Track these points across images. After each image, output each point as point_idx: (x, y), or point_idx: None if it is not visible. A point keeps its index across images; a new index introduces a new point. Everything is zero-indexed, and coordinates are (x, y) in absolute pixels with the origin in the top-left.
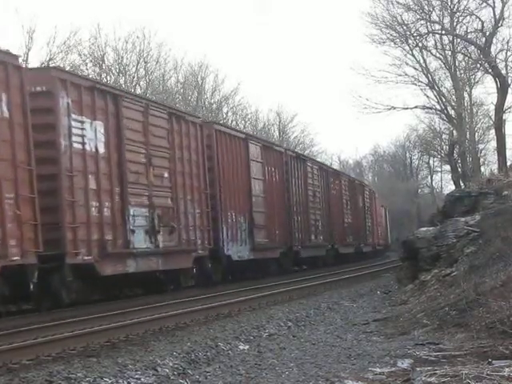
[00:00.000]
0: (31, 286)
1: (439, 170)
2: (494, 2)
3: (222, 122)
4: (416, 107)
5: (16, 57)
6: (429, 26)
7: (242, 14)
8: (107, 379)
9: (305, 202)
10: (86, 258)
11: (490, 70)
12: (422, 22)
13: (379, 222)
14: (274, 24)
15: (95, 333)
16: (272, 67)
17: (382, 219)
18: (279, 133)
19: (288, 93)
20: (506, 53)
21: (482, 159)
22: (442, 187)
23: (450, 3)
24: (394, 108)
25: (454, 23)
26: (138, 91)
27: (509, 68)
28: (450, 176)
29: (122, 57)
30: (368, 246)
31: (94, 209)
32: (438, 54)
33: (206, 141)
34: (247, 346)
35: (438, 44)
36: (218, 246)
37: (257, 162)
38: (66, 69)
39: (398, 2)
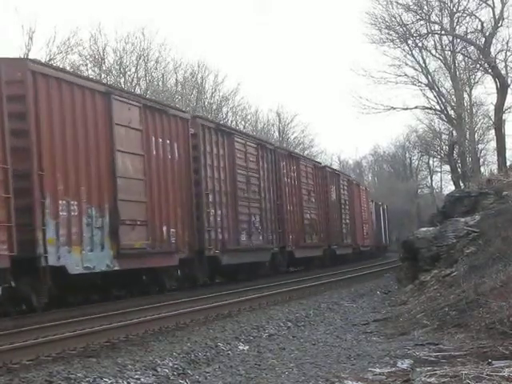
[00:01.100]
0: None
1: (439, 170)
2: (493, 3)
3: (222, 121)
4: (416, 107)
5: None
6: (428, 27)
7: (242, 14)
8: (107, 379)
9: (233, 190)
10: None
11: (489, 71)
12: (422, 22)
13: (366, 219)
14: (273, 24)
15: (95, 333)
16: (272, 67)
17: (372, 216)
18: (279, 133)
19: (288, 93)
20: (506, 53)
21: (481, 159)
22: (441, 187)
23: (449, 3)
24: (394, 108)
25: (454, 23)
26: (138, 92)
27: (508, 68)
28: (449, 176)
29: (122, 57)
30: (346, 247)
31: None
32: (437, 55)
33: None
34: (247, 347)
35: (438, 44)
36: (33, 252)
37: (129, 128)
38: (67, 68)
39: (397, 3)
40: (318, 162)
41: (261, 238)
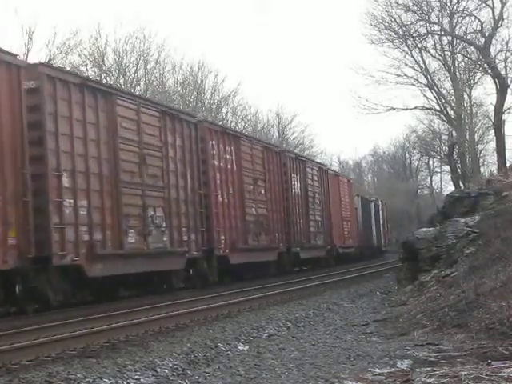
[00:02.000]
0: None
1: (439, 170)
2: (493, 3)
3: (221, 122)
4: (415, 108)
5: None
6: (428, 27)
7: (242, 15)
8: (107, 380)
9: (113, 173)
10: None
11: (489, 71)
12: (422, 22)
13: (348, 216)
14: (273, 24)
15: (95, 333)
16: (272, 67)
17: (357, 213)
18: (279, 133)
19: (288, 93)
20: (506, 53)
21: (481, 160)
22: (441, 188)
23: (449, 4)
24: (394, 109)
25: (454, 24)
26: (138, 92)
27: (508, 69)
28: (449, 177)
29: (122, 57)
30: (316, 249)
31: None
32: (437, 55)
33: None
34: (247, 347)
35: (438, 45)
36: None
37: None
38: (67, 69)
39: (397, 3)
40: (274, 145)
41: (164, 239)
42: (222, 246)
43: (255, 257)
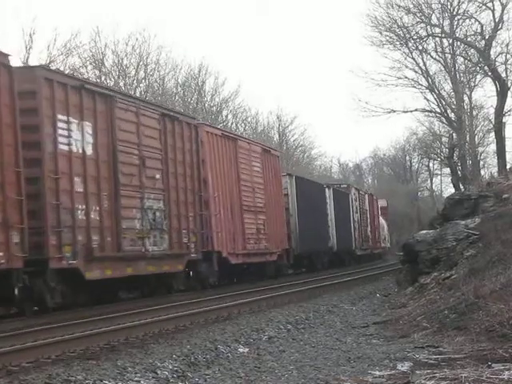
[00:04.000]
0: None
1: (439, 172)
2: (493, 5)
3: (221, 125)
4: (416, 110)
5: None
6: (428, 29)
7: (243, 16)
8: (107, 382)
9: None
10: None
11: (489, 73)
12: (422, 24)
13: (256, 205)
14: (274, 25)
15: (95, 335)
16: (272, 69)
17: (291, 202)
18: (279, 135)
19: (288, 95)
20: (506, 56)
21: (481, 162)
22: (441, 190)
23: (449, 6)
24: (394, 111)
25: (454, 26)
26: (138, 94)
27: (508, 71)
28: (449, 179)
29: (122, 59)
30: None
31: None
32: (437, 57)
33: None
34: (247, 349)
35: (438, 47)
36: None
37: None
38: (66, 71)
39: (397, 5)
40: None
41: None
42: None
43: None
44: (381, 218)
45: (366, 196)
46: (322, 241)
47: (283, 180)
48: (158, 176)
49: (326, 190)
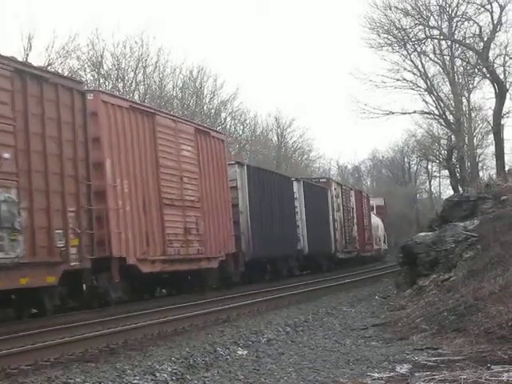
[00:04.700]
0: None
1: (438, 175)
2: (491, 7)
3: (220, 127)
4: (414, 112)
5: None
6: (427, 31)
7: (241, 17)
8: None
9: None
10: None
11: (488, 75)
12: (420, 27)
13: (186, 198)
14: (272, 26)
15: (94, 338)
16: (270, 71)
17: (240, 196)
18: (278, 138)
19: (286, 97)
20: (504, 58)
21: (480, 164)
22: (440, 192)
23: (448, 8)
24: (393, 113)
25: (452, 28)
26: (136, 97)
27: (507, 73)
28: (448, 181)
29: (121, 62)
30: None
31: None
32: (436, 59)
33: None
34: (246, 351)
35: (437, 49)
36: None
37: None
38: (65, 73)
39: (396, 8)
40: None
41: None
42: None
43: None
44: (375, 217)
45: (353, 192)
46: (287, 243)
47: (231, 170)
48: (6, 155)
49: (295, 183)
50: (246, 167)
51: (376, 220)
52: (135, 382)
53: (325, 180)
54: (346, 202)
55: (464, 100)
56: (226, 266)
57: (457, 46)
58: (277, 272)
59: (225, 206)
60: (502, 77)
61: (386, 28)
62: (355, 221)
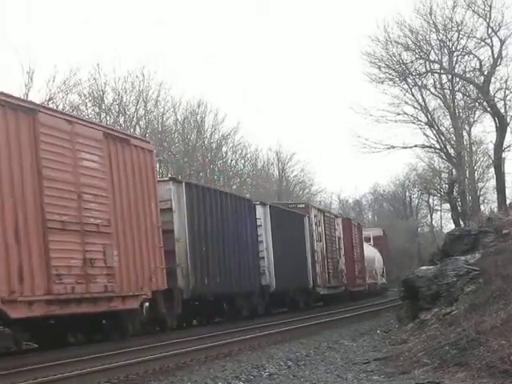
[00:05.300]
0: None
1: (439, 208)
2: (492, 42)
3: (221, 161)
4: (415, 146)
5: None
6: (427, 65)
7: (241, 48)
8: None
9: None
10: None
11: (488, 109)
12: (421, 61)
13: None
14: (273, 60)
15: (95, 372)
16: (272, 106)
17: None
18: (279, 172)
19: (287, 132)
20: (505, 91)
21: (481, 198)
22: (441, 226)
23: (448, 42)
24: (394, 147)
25: (453, 62)
26: (138, 131)
27: (507, 107)
28: (449, 215)
29: (122, 96)
30: None
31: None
32: (436, 93)
33: None
34: None
35: (437, 83)
36: None
37: None
38: (66, 109)
39: (396, 42)
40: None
41: None
42: None
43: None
44: (371, 248)
45: (339, 220)
46: (246, 277)
47: (163, 188)
48: None
49: (259, 208)
50: (184, 185)
51: (372, 252)
52: None
53: (303, 206)
54: (329, 231)
55: (465, 134)
56: (156, 306)
57: (457, 79)
58: (235, 312)
59: (151, 232)
60: (502, 111)
61: (386, 63)
62: (342, 252)
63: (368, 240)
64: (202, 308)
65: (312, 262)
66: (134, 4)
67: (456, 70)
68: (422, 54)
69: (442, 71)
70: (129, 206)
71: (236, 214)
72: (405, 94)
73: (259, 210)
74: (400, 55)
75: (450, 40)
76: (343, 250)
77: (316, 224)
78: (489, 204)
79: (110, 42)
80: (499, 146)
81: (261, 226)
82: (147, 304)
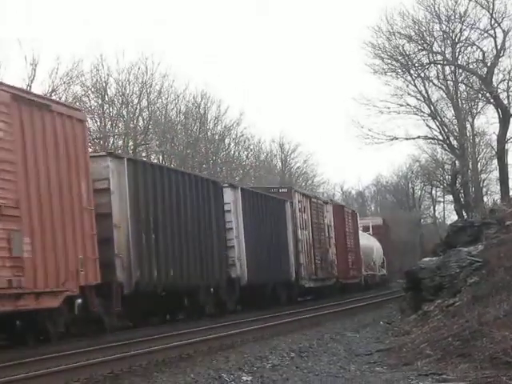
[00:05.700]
0: None
1: (442, 200)
2: (495, 33)
3: (224, 153)
4: (418, 137)
5: None
6: (430, 57)
7: (244, 41)
8: None
9: None
10: None
11: (491, 100)
12: (424, 52)
13: None
14: (276, 53)
15: (98, 364)
16: (274, 97)
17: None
18: (282, 163)
19: (290, 123)
20: (508, 83)
21: (484, 189)
22: (444, 217)
23: (451, 34)
24: (397, 138)
25: (456, 54)
26: (141, 123)
27: (510, 98)
28: (452, 206)
29: (125, 88)
30: None
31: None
32: (439, 85)
33: None
34: (250, 377)
35: (440, 74)
36: None
37: None
38: (69, 100)
39: (399, 33)
40: None
41: None
42: None
43: None
44: (370, 237)
45: (330, 207)
46: (211, 270)
47: (99, 165)
48: None
49: (228, 190)
50: (126, 161)
51: (370, 241)
52: None
53: (285, 190)
54: (317, 218)
55: (468, 125)
56: (87, 304)
57: (460, 71)
58: (198, 308)
59: (79, 216)
60: (505, 102)
61: (389, 54)
62: (332, 241)
63: (367, 229)
64: (152, 304)
65: (295, 252)
66: (134, 4)
67: (459, 62)
68: (425, 45)
69: (445, 62)
70: (48, 184)
71: (198, 198)
72: (408, 86)
73: (228, 194)
74: (403, 46)
75: (453, 31)
76: (334, 238)
77: (300, 210)
78: (492, 195)
79: (110, 42)
80: (502, 137)
81: (230, 211)
82: (79, 301)
